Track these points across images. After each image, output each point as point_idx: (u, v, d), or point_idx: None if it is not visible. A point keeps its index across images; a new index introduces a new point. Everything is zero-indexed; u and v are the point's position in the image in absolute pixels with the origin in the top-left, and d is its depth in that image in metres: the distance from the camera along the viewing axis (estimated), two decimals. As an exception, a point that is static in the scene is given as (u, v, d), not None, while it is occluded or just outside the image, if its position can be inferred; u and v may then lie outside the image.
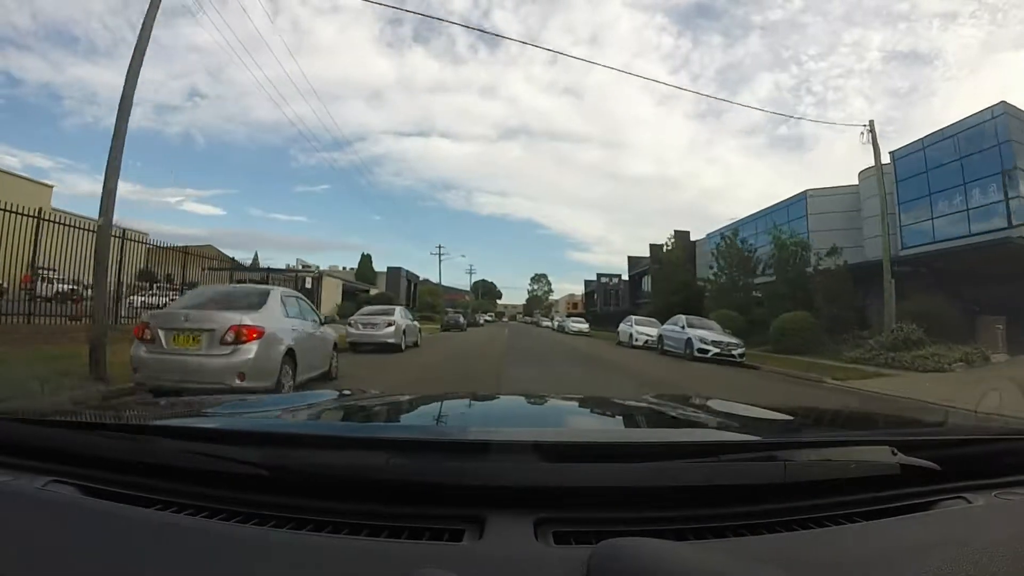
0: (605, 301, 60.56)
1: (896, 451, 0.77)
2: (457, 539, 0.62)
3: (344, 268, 51.76)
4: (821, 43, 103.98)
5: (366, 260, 50.62)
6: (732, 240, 25.25)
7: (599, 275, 63.86)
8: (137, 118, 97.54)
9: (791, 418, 1.30)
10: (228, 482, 0.70)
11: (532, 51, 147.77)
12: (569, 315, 61.35)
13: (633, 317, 21.83)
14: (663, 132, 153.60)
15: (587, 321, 40.03)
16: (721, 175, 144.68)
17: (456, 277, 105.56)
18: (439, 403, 1.49)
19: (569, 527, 0.64)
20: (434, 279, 70.70)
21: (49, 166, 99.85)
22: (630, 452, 0.81)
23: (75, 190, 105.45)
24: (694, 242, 36.40)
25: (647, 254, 46.03)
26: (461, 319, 35.42)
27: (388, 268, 52.38)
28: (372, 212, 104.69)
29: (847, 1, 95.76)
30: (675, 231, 36.46)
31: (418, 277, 57.40)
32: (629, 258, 50.08)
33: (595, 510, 0.69)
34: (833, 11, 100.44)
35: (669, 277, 30.92)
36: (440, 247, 53.69)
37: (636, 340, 19.83)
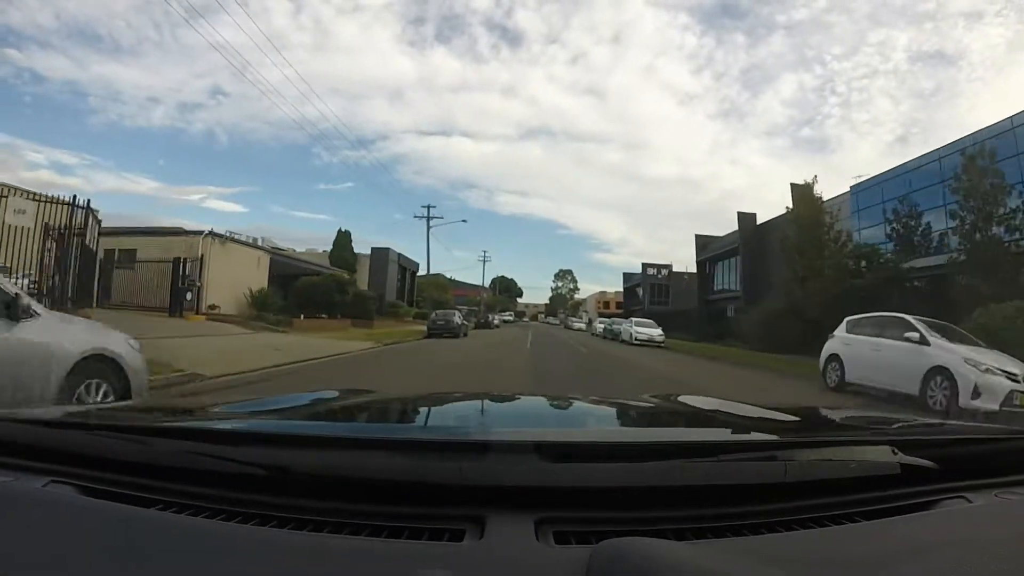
0: (653, 298, 47.61)
1: (896, 450, 0.77)
2: (457, 539, 0.61)
3: (325, 252, 39.27)
4: (845, 43, 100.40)
5: (343, 238, 37.43)
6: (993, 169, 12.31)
7: (644, 265, 50.98)
8: (160, 116, 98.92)
9: (791, 418, 1.28)
10: (228, 482, 0.70)
11: (553, 50, 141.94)
12: (602, 315, 48.65)
13: (956, 330, 8.03)
14: (685, 133, 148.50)
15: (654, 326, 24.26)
16: (744, 177, 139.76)
17: (471, 272, 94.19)
18: (439, 403, 1.50)
19: (569, 527, 0.64)
20: (451, 275, 59.24)
21: (75, 163, 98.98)
22: (630, 452, 0.80)
23: (100, 187, 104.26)
24: (822, 200, 23.05)
25: (700, 240, 33.41)
26: (456, 319, 22.69)
27: (372, 249, 37.52)
28: (394, 210, 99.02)
29: (871, 1, 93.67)
30: (792, 184, 23.43)
31: (417, 265, 45.14)
32: (697, 237, 35.98)
33: (595, 510, 0.68)
34: (857, 10, 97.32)
35: (809, 251, 17.97)
36: (429, 207, 38.74)
37: (991, 389, 6.47)
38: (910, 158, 18.94)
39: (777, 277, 20.12)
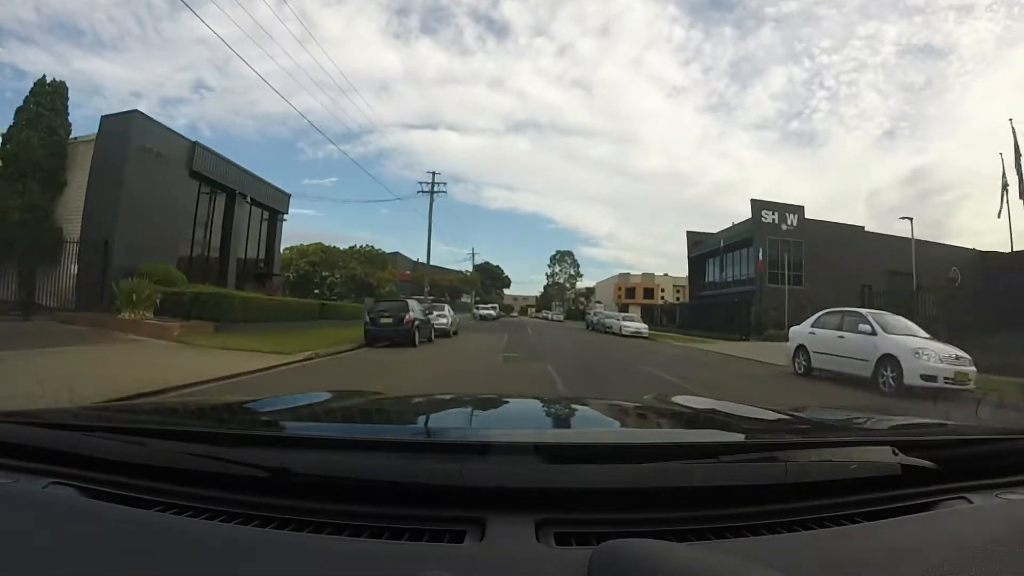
0: (775, 270, 24.15)
1: (897, 451, 0.77)
2: (458, 540, 0.61)
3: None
4: (834, 36, 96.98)
5: (55, 95, 13.24)
6: None
7: (755, 204, 27.25)
8: (142, 110, 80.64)
9: (792, 418, 1.29)
10: (229, 484, 0.70)
11: (540, 42, 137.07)
12: (623, 307, 25.25)
13: None
14: (674, 127, 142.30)
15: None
16: (733, 171, 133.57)
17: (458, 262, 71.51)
18: (439, 405, 1.51)
19: (570, 528, 0.64)
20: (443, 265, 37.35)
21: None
22: (631, 453, 0.80)
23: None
24: None
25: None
26: None
27: (103, 120, 13.47)
28: (380, 205, 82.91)
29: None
30: None
31: (286, 199, 21.03)
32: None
33: (596, 511, 0.68)
34: (847, 3, 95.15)
35: None
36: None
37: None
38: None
39: None
